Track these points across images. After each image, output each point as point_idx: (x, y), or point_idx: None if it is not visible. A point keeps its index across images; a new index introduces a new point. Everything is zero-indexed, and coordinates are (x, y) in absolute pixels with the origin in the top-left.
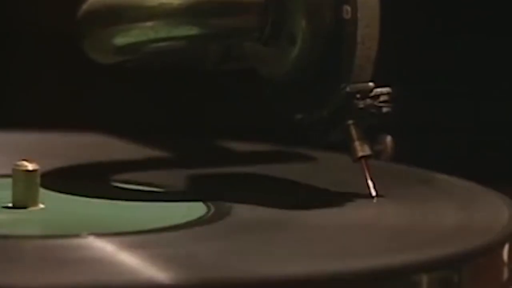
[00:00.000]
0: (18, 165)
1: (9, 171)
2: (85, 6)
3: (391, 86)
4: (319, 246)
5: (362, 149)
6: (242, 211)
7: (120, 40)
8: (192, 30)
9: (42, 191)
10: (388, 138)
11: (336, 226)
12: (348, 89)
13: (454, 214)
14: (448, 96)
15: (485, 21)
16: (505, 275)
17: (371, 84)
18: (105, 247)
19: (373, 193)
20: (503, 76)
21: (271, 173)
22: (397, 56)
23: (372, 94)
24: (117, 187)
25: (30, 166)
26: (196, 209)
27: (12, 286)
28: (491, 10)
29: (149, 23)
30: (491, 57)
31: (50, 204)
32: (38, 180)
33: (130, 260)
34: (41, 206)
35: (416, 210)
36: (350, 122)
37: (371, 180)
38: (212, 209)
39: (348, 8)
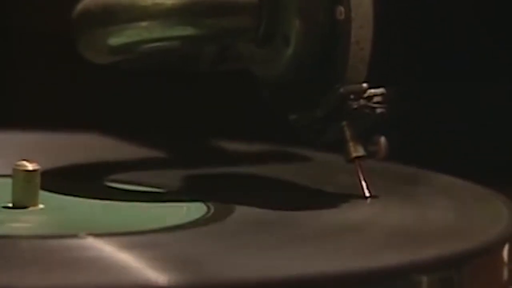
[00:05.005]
0: (18, 165)
1: (8, 171)
2: (79, 6)
3: (385, 86)
4: (318, 246)
5: (356, 150)
6: (242, 212)
7: (114, 40)
8: (186, 31)
9: (42, 191)
10: (382, 139)
11: (335, 226)
12: (342, 90)
13: (453, 214)
14: (445, 96)
15: (483, 21)
16: (505, 275)
17: (365, 85)
18: (104, 248)
19: (367, 194)
20: (501, 76)
21: (270, 173)
22: (392, 57)
23: (366, 95)
24: (116, 187)
25: (30, 166)
26: (195, 210)
27: (11, 285)
28: (488, 10)
29: (143, 24)
30: (489, 56)
31: (50, 204)
32: (38, 180)
33: (129, 261)
34: (41, 206)
35: (414, 210)
36: (344, 122)
37: (365, 181)
38: (212, 210)
39: (342, 8)
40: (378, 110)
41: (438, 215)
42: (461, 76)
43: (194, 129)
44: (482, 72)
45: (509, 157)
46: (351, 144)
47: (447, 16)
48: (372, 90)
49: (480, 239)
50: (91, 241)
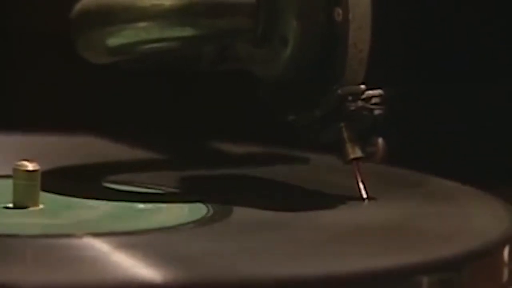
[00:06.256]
0: (18, 165)
1: (9, 172)
2: (78, 6)
3: (384, 87)
4: (318, 246)
5: (354, 151)
6: (241, 212)
7: (113, 40)
8: (184, 31)
9: (42, 192)
10: (380, 140)
11: (334, 227)
12: (340, 91)
13: (453, 215)
14: (444, 96)
15: (483, 21)
16: (505, 276)
17: (362, 86)
18: (104, 247)
19: (364, 195)
20: (501, 77)
21: (269, 174)
22: (391, 57)
23: (364, 96)
24: (116, 188)
25: (30, 166)
26: (195, 210)
27: (11, 284)
28: (488, 10)
29: (141, 24)
30: (488, 57)
31: (50, 205)
32: (38, 180)
33: (129, 260)
34: (41, 206)
35: (413, 212)
36: (342, 124)
37: (362, 182)
38: (211, 210)
39: (340, 10)
40: (376, 112)
41: (438, 217)
42: (460, 77)
43: (194, 129)
44: (481, 73)
45: (508, 157)
46: (349, 145)
47: (447, 16)
48: (370, 92)
49: (480, 240)
50: (90, 241)
